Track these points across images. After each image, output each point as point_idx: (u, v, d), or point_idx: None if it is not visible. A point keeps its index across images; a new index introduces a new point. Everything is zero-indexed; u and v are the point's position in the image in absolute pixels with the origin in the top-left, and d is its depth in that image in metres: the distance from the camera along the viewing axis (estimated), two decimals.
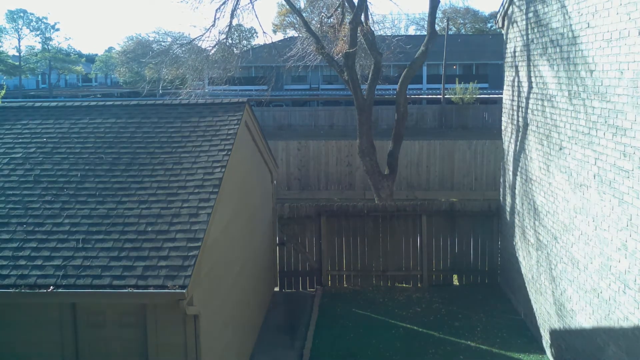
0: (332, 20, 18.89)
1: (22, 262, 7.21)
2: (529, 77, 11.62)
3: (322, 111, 44.11)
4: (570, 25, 9.32)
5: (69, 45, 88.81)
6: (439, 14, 48.13)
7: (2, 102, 13.83)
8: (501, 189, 14.13)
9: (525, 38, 11.83)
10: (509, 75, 13.17)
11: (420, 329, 11.87)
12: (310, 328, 11.86)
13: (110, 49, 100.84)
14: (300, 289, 14.20)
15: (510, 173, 13.17)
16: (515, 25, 12.51)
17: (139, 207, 8.05)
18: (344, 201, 19.24)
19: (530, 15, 11.39)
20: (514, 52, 12.65)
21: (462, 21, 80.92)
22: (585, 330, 8.90)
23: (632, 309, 7.37)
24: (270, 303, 13.28)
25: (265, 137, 12.50)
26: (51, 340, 7.29)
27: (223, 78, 20.72)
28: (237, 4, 17.31)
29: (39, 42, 78.68)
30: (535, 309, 11.44)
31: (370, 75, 16.73)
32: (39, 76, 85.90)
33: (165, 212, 7.94)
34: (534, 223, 11.38)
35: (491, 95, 45.06)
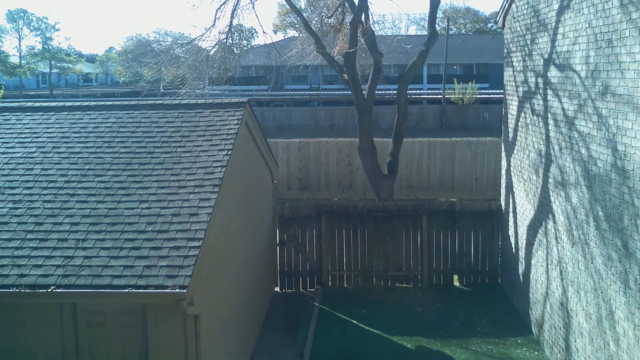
0: (332, 20, 18.87)
1: (22, 262, 7.21)
2: (530, 76, 11.61)
3: (323, 111, 44.09)
4: (571, 24, 9.31)
5: (69, 45, 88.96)
6: (439, 14, 48.11)
7: (2, 101, 13.82)
8: (501, 189, 14.12)
9: (525, 38, 11.82)
10: (509, 75, 13.16)
11: (421, 330, 11.85)
12: (310, 328, 11.85)
13: (110, 49, 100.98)
14: (301, 289, 14.19)
15: (511, 173, 13.16)
16: (515, 25, 12.49)
17: (138, 207, 8.04)
18: (345, 201, 19.23)
19: (531, 14, 11.37)
20: (515, 51, 12.64)
21: (462, 21, 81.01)
22: (585, 330, 8.89)
23: (633, 309, 7.36)
24: (270, 303, 13.27)
25: (266, 136, 12.49)
26: (51, 340, 7.28)
27: (223, 78, 20.69)
28: (237, 3, 17.29)
29: (39, 42, 78.77)
30: (535, 310, 11.43)
31: (370, 75, 16.71)
32: (39, 76, 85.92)
33: (165, 211, 7.94)
34: (534, 223, 11.37)
35: (491, 96, 45.02)
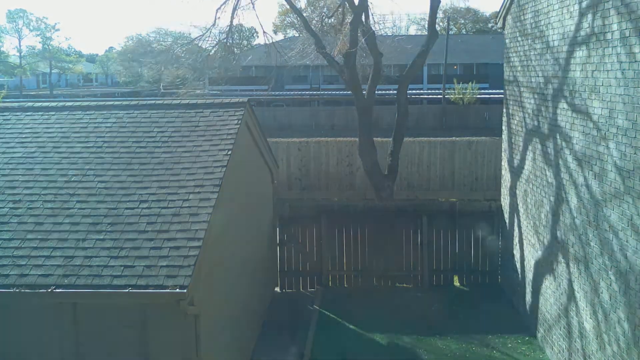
0: (332, 20, 18.89)
1: (22, 262, 7.21)
2: (529, 76, 11.61)
3: (323, 111, 44.04)
4: (571, 24, 9.31)
5: (69, 45, 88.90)
6: (439, 14, 48.12)
7: (3, 101, 13.84)
8: (501, 189, 14.12)
9: (525, 38, 11.82)
10: (509, 75, 13.16)
11: (421, 329, 11.85)
12: (310, 328, 11.85)
13: (110, 49, 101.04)
14: (301, 289, 14.18)
15: (511, 173, 13.16)
16: (516, 25, 12.49)
17: (139, 207, 8.04)
18: (345, 201, 19.22)
19: (531, 14, 11.37)
20: (515, 52, 12.63)
21: (463, 21, 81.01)
22: (585, 331, 8.89)
23: (633, 309, 7.36)
24: (270, 303, 13.26)
25: (266, 136, 12.49)
26: (51, 340, 7.28)
27: (223, 78, 20.73)
28: (237, 3, 17.31)
29: (40, 42, 78.74)
30: (535, 310, 11.43)
31: (370, 76, 16.71)
32: (39, 76, 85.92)
33: (166, 211, 7.94)
34: (534, 223, 11.37)
35: (491, 96, 45.01)
